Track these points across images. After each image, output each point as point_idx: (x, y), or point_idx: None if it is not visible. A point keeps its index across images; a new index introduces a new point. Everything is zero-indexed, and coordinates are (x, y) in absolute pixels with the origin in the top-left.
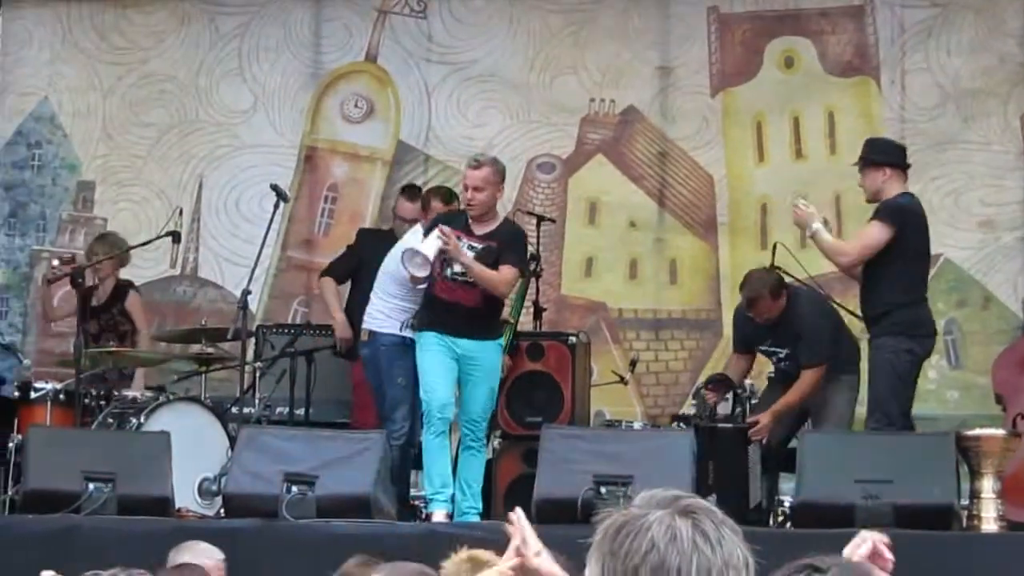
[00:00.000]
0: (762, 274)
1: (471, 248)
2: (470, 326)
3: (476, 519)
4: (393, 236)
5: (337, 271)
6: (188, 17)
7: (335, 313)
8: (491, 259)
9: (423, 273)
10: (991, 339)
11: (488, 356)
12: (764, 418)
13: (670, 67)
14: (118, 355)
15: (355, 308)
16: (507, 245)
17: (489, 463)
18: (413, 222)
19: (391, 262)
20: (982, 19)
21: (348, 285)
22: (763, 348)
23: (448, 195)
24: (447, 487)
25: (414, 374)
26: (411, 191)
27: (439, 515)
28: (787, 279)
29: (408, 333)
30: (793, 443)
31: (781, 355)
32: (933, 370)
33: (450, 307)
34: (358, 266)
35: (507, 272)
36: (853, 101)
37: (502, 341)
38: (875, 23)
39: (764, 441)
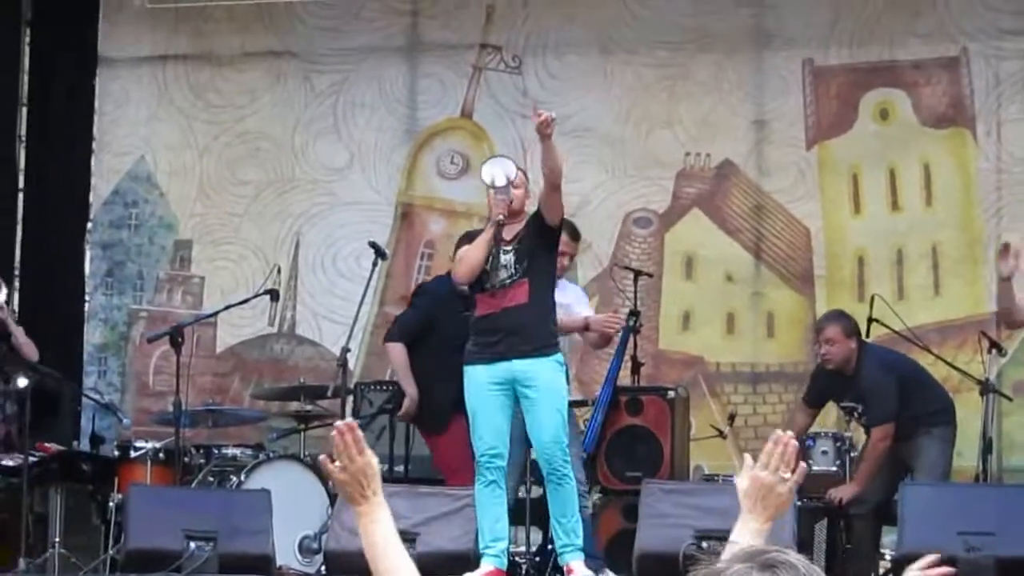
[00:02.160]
0: (838, 312)
1: (505, 252)
2: (520, 339)
3: (578, 556)
4: None
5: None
6: (283, 75)
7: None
8: (527, 246)
9: (502, 180)
10: None
11: (544, 374)
12: (848, 490)
13: (765, 120)
14: (217, 413)
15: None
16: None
17: (592, 518)
18: None
19: None
20: None
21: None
22: (843, 404)
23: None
24: (499, 540)
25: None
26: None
27: (487, 573)
28: (865, 339)
29: None
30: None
31: (859, 410)
32: None
33: (495, 321)
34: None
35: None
36: (949, 152)
37: (560, 359)
38: (970, 74)
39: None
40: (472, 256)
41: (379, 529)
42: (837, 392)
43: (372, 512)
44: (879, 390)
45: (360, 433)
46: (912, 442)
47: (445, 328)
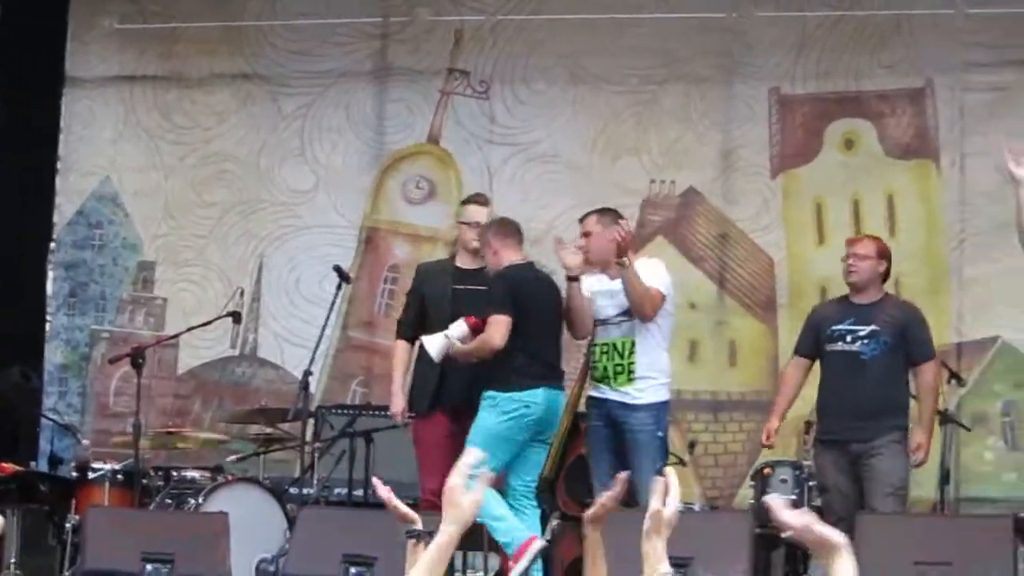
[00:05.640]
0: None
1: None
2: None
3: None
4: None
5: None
6: (251, 97)
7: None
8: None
9: (441, 355)
10: None
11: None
12: (922, 438)
13: (731, 148)
14: (178, 435)
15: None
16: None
17: (549, 544)
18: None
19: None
20: None
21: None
22: (837, 328)
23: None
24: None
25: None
26: (480, 196)
27: None
28: None
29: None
30: None
31: (862, 333)
32: (990, 451)
33: None
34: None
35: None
36: (913, 184)
37: (490, 397)
38: (935, 106)
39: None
40: None
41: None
42: (842, 316)
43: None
44: (923, 323)
45: None
46: (879, 444)
47: (429, 305)
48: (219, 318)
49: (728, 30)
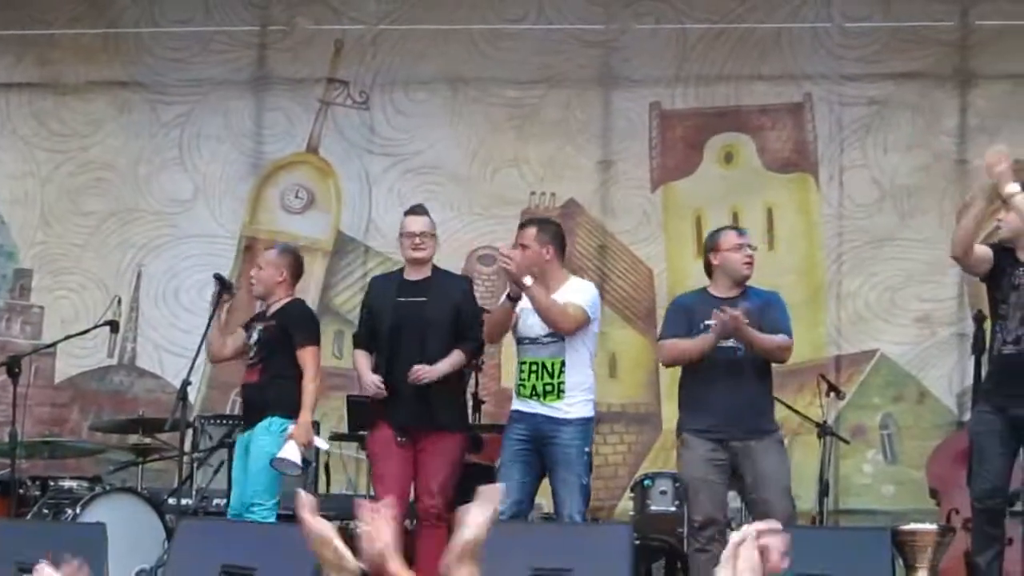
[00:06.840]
0: None
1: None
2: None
3: None
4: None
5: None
6: (128, 105)
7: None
8: None
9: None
10: (926, 434)
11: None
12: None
13: (611, 161)
14: (54, 444)
15: None
16: None
17: None
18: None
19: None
20: (919, 117)
21: None
22: (710, 323)
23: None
24: None
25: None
26: (417, 206)
27: None
28: None
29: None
30: None
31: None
32: (869, 464)
33: None
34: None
35: None
36: (792, 197)
37: (283, 420)
38: (814, 120)
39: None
40: None
41: None
42: (708, 309)
43: None
44: (780, 307)
45: None
46: (762, 444)
47: (375, 317)
48: (96, 327)
49: (607, 43)
